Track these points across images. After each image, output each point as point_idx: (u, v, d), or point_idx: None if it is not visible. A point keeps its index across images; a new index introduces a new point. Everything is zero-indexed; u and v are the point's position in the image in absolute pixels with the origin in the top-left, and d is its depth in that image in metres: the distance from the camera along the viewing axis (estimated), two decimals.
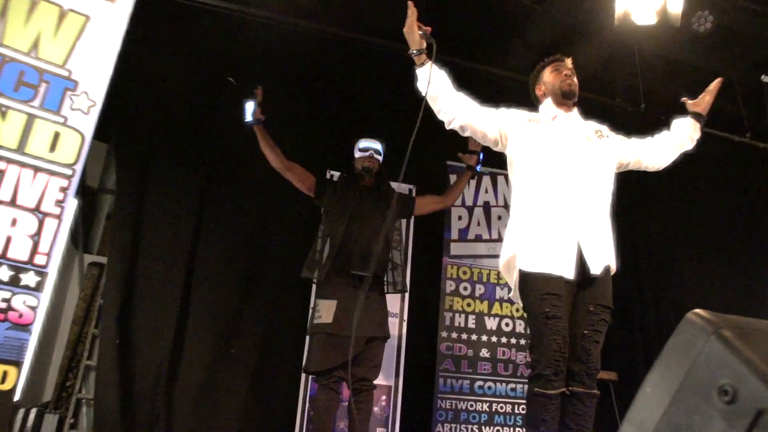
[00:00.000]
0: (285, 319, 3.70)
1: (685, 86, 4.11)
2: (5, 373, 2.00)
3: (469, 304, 4.08)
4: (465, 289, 4.12)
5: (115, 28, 2.29)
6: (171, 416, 3.32)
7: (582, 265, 2.05)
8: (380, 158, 3.03)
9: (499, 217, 4.31)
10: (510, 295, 2.26)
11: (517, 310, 4.13)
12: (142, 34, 3.62)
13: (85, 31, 2.22)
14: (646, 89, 4.11)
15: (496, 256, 4.12)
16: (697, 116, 2.40)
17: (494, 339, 4.05)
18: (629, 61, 4.07)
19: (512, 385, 3.99)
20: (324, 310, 2.71)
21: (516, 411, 3.94)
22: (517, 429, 3.91)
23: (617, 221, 2.25)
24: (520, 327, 4.12)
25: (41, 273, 2.11)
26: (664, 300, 4.60)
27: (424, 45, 2.15)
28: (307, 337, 2.97)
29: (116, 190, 3.72)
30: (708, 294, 4.55)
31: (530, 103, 2.43)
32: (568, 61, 2.36)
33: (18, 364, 2.03)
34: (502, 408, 3.92)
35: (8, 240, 2.07)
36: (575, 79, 2.32)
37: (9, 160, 2.11)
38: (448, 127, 2.25)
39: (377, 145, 3.03)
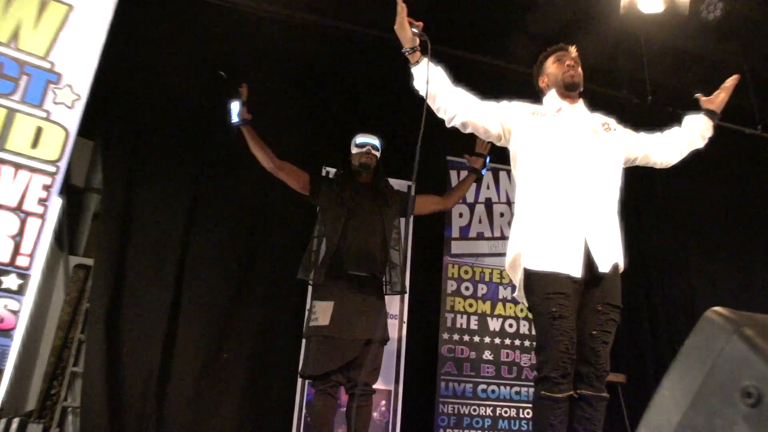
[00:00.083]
0: (280, 321, 3.69)
1: (693, 77, 4.12)
2: None
3: (471, 305, 4.07)
4: (467, 289, 4.10)
5: (100, 18, 2.27)
6: (161, 425, 3.30)
7: (589, 263, 2.03)
8: (378, 154, 3.02)
9: (502, 214, 4.30)
10: (515, 294, 2.24)
11: (521, 311, 4.12)
12: (128, 26, 3.60)
13: (68, 21, 2.19)
14: (652, 81, 4.10)
15: (499, 255, 4.18)
16: (710, 114, 2.38)
17: (497, 341, 4.04)
18: (635, 51, 4.06)
19: (517, 389, 3.98)
20: (320, 312, 2.70)
21: (521, 415, 3.93)
22: None
23: (624, 218, 2.24)
24: (525, 328, 4.11)
25: (24, 275, 2.08)
26: (674, 299, 4.59)
27: (417, 42, 2.13)
28: (303, 341, 2.95)
29: (103, 189, 3.70)
30: (720, 292, 4.55)
31: (533, 95, 2.41)
32: (572, 50, 2.35)
33: None
34: (506, 412, 3.91)
35: None
36: (579, 69, 2.30)
37: None
38: (448, 125, 2.24)
39: (375, 141, 3.01)
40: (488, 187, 4.31)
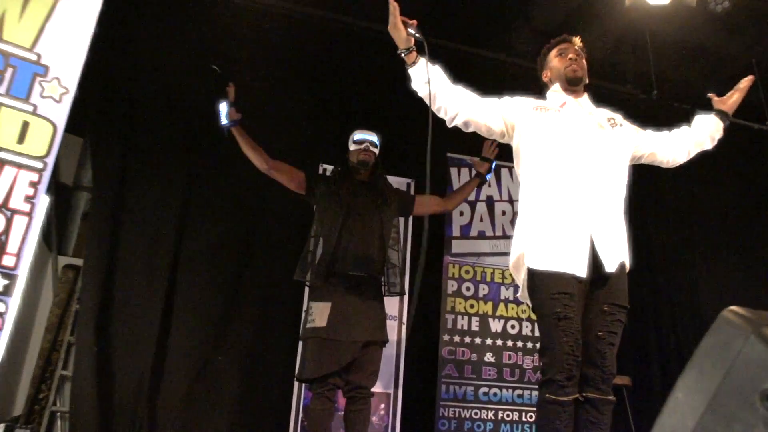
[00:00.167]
0: (276, 323, 3.67)
1: (700, 72, 4.11)
2: None
3: (472, 306, 4.06)
4: (468, 289, 4.09)
5: (89, 8, 2.24)
6: (153, 430, 3.28)
7: (595, 263, 2.02)
8: (376, 151, 3.00)
9: (503, 213, 4.28)
10: (518, 295, 2.22)
11: (523, 311, 4.11)
12: (119, 18, 3.59)
13: (56, 11, 2.16)
14: (658, 75, 4.09)
15: (500, 254, 4.17)
16: (722, 115, 2.37)
17: (499, 342, 4.03)
18: (641, 45, 4.05)
19: (519, 392, 3.97)
20: (317, 314, 2.68)
21: (523, 419, 3.92)
22: None
23: (629, 216, 2.23)
24: (527, 329, 4.10)
25: (10, 275, 2.06)
26: (680, 299, 4.59)
27: (413, 42, 2.10)
28: (300, 343, 2.93)
29: (92, 187, 3.69)
30: (727, 292, 4.54)
31: (536, 90, 2.40)
32: (576, 41, 2.33)
33: None
34: (508, 416, 3.90)
35: None
36: (583, 62, 2.28)
37: None
38: (450, 124, 2.22)
39: (373, 137, 3.00)
40: (490, 185, 4.29)
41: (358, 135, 2.99)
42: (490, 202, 4.28)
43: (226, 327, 3.59)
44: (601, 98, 2.40)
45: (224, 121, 2.86)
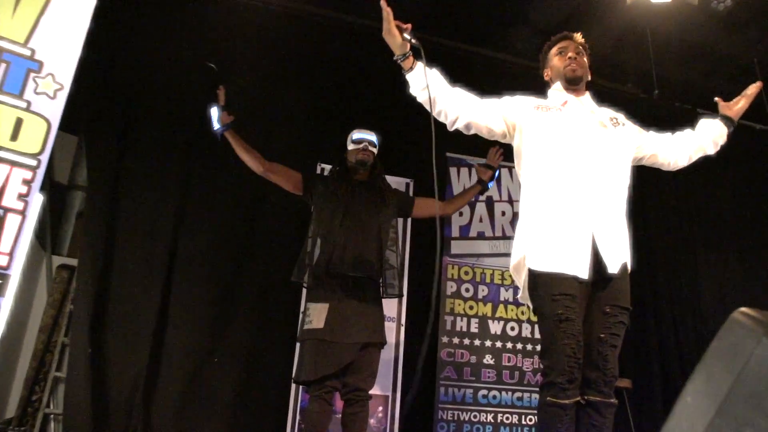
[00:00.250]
0: (273, 324, 3.66)
1: (702, 71, 4.10)
2: None
3: (471, 307, 4.05)
4: (467, 290, 4.08)
5: (84, 4, 2.22)
6: None
7: (598, 264, 2.00)
8: (375, 150, 2.99)
9: (503, 213, 4.27)
10: (518, 296, 2.21)
11: (523, 313, 4.10)
12: (115, 15, 3.57)
13: (50, 6, 2.14)
14: (659, 74, 4.08)
15: (500, 255, 4.15)
16: (727, 120, 2.35)
17: (499, 344, 4.02)
18: (641, 43, 4.04)
19: (519, 394, 3.95)
20: (315, 315, 2.67)
21: (523, 422, 3.90)
22: None
23: (630, 216, 2.21)
24: (527, 331, 4.09)
25: (3, 275, 2.04)
26: (681, 300, 4.58)
27: (408, 47, 2.07)
28: (297, 344, 2.92)
29: (87, 186, 3.67)
30: (727, 293, 4.54)
31: (536, 89, 2.38)
32: (577, 37, 2.31)
33: None
34: (507, 419, 3.89)
35: None
36: (583, 60, 2.27)
37: None
38: (451, 128, 2.20)
39: (372, 137, 2.98)
40: None
41: (356, 134, 2.98)
42: (489, 203, 4.27)
43: (222, 328, 3.58)
44: (601, 97, 2.39)
45: (216, 126, 2.85)
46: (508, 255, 2.20)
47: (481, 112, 2.17)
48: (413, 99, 2.16)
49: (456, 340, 3.94)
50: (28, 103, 2.12)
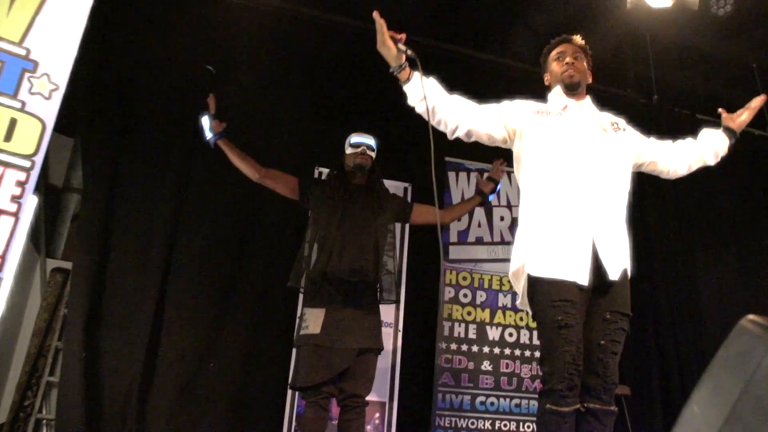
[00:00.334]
0: (269, 330, 3.63)
1: (701, 76, 4.10)
2: None
3: (469, 313, 4.03)
4: (465, 296, 4.06)
5: (80, 3, 2.21)
6: None
7: (598, 270, 1.99)
8: (373, 155, 2.97)
9: (502, 218, 4.26)
10: (517, 302, 2.19)
11: (521, 319, 4.08)
12: (112, 16, 3.56)
13: (45, 5, 2.13)
14: (658, 79, 4.09)
15: (498, 260, 4.14)
16: (729, 132, 2.35)
17: (497, 350, 3.99)
18: (641, 48, 4.05)
19: (517, 401, 3.93)
20: (311, 320, 2.65)
21: (521, 429, 3.88)
22: None
23: (629, 220, 2.20)
24: (525, 337, 4.07)
25: None
26: (680, 306, 4.56)
27: (404, 58, 2.04)
28: (294, 350, 2.89)
29: (83, 188, 3.65)
30: (727, 296, 4.53)
31: (536, 93, 2.38)
32: (576, 39, 2.31)
33: None
34: (505, 426, 3.86)
35: None
36: (582, 64, 2.26)
37: None
38: (451, 137, 2.19)
39: (370, 141, 2.97)
40: None
41: (354, 138, 2.97)
42: (488, 208, 4.25)
43: (218, 333, 3.55)
44: (600, 102, 2.38)
45: (208, 135, 2.85)
46: (506, 260, 2.19)
47: (480, 119, 2.16)
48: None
49: (454, 346, 3.92)
50: (23, 103, 2.10)
